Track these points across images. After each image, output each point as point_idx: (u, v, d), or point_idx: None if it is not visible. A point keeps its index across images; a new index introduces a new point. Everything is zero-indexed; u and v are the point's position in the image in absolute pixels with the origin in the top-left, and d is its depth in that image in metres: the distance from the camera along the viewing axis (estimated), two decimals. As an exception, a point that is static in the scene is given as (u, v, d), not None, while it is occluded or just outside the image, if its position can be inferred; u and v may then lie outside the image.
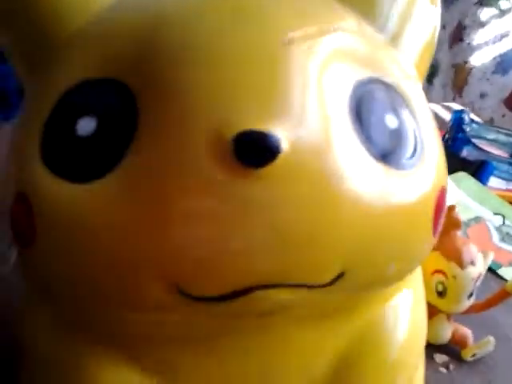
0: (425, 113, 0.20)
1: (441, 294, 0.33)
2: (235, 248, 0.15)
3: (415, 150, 0.18)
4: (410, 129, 0.18)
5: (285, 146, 0.15)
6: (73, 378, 0.20)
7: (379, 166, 0.17)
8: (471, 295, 0.34)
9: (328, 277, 0.17)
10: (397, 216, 0.17)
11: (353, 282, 0.17)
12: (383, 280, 0.19)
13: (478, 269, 0.33)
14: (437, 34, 0.23)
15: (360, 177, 0.16)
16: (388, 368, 0.22)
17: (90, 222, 0.16)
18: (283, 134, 0.15)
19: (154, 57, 0.17)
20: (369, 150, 0.17)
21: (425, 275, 0.33)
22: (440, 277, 0.33)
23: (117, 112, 0.17)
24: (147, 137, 0.16)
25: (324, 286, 0.17)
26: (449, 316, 0.35)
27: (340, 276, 0.17)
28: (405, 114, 0.18)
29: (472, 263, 0.33)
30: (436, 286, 0.33)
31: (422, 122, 0.19)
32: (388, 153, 0.17)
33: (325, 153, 0.16)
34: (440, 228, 0.20)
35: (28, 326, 0.22)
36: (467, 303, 0.34)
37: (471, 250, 0.33)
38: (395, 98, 0.19)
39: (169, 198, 0.15)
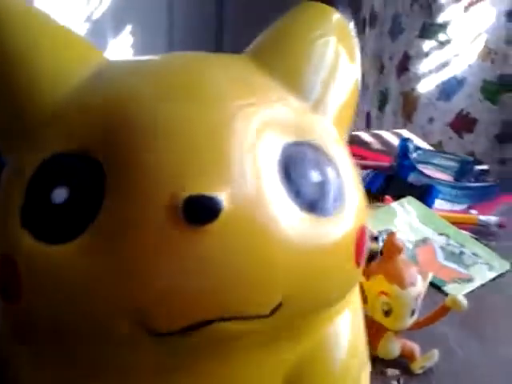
0: (347, 166, 0.23)
1: (387, 314, 0.37)
2: (191, 289, 0.19)
3: (336, 199, 0.22)
4: (332, 182, 0.22)
5: (226, 205, 0.18)
6: None
7: (305, 215, 0.21)
8: (413, 313, 0.37)
9: (269, 308, 0.20)
10: (322, 255, 0.21)
11: (290, 311, 0.21)
12: (317, 307, 0.23)
13: (418, 288, 0.37)
14: (359, 86, 0.27)
15: (289, 225, 0.20)
16: (335, 378, 0.25)
17: (66, 276, 0.19)
18: (224, 196, 0.18)
19: (117, 134, 0.20)
20: (296, 201, 0.21)
21: (372, 297, 0.37)
22: (384, 298, 0.37)
23: (87, 181, 0.20)
24: (114, 201, 0.19)
25: (267, 316, 0.20)
26: (397, 333, 0.39)
27: (278, 307, 0.20)
28: (328, 169, 0.22)
29: (412, 284, 0.37)
30: (382, 306, 0.37)
31: (343, 175, 0.23)
32: (313, 203, 0.21)
33: (258, 209, 0.19)
34: (363, 259, 0.23)
35: (10, 363, 0.24)
36: (410, 320, 0.37)
37: (412, 273, 0.37)
38: (319, 157, 0.22)
39: (133, 251, 0.19)
